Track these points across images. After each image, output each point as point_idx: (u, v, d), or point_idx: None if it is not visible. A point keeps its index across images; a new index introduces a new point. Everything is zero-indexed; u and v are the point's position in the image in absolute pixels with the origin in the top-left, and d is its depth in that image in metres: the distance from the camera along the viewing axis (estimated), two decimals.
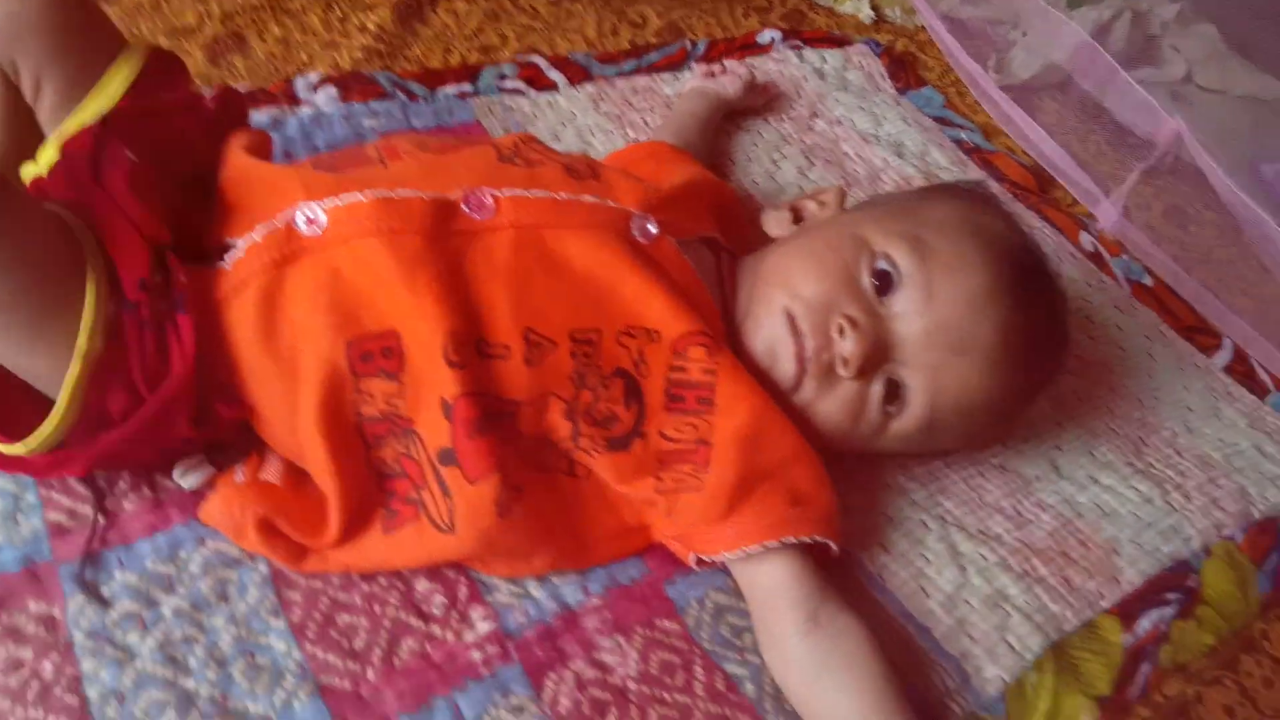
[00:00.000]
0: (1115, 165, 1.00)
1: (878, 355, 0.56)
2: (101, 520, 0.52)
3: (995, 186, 0.97)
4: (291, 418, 0.50)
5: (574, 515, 0.55)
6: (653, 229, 0.56)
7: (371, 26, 0.93)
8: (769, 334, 0.57)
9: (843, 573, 0.59)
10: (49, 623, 0.48)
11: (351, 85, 0.84)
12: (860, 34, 1.16)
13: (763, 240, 0.67)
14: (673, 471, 0.54)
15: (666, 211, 0.59)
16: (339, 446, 0.50)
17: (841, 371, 0.56)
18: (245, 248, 0.50)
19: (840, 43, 1.12)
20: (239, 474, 0.54)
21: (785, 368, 0.57)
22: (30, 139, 0.58)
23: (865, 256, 0.57)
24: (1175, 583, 0.67)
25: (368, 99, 0.83)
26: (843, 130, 0.98)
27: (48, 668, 0.47)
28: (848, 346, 0.55)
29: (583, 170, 0.58)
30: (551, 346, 0.51)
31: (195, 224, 0.53)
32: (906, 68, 1.11)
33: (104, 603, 0.49)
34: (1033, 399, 0.65)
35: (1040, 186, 1.00)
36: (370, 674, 0.49)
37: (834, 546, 0.56)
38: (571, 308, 0.52)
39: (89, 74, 0.57)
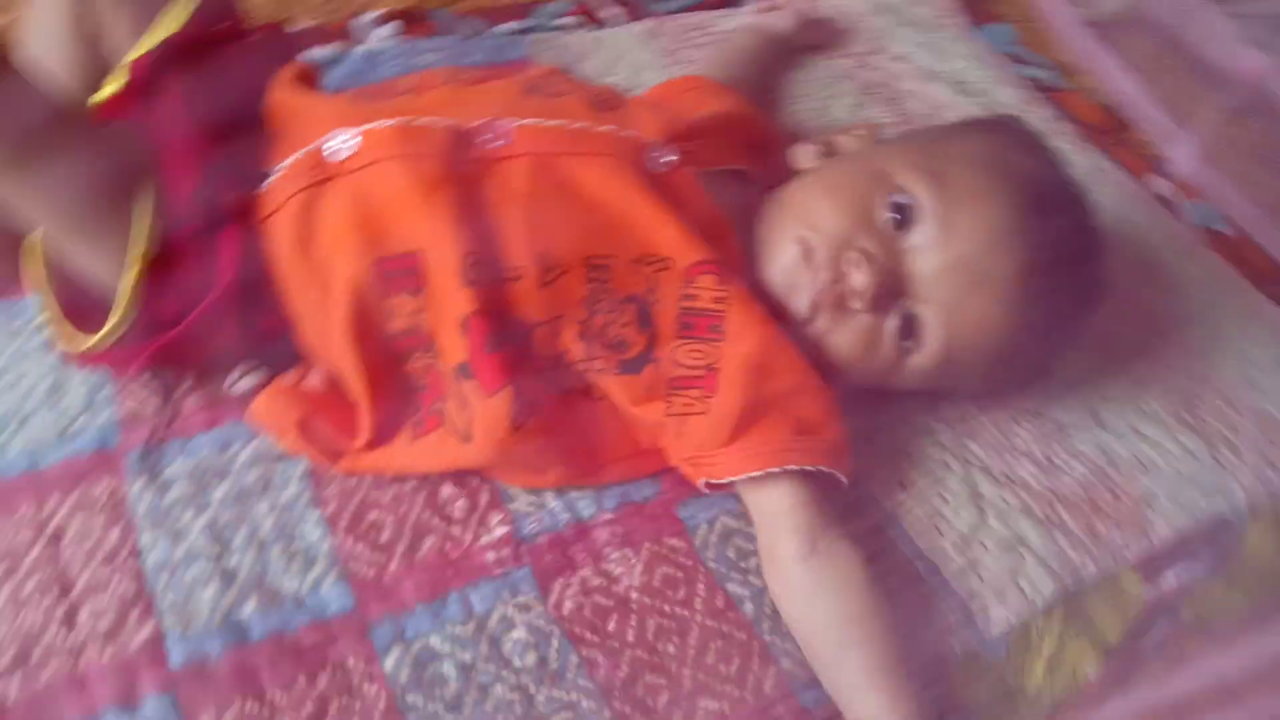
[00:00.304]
0: (1197, 105, 0.95)
1: (892, 289, 0.56)
2: (165, 415, 0.57)
3: (1065, 125, 0.93)
4: (326, 328, 0.54)
5: (589, 434, 0.57)
6: (670, 159, 0.57)
7: None
8: (783, 265, 0.58)
9: (855, 506, 0.61)
10: (116, 498, 0.54)
11: (409, 22, 0.86)
12: None
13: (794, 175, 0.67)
14: (682, 396, 0.56)
15: (690, 142, 0.60)
16: (368, 357, 0.54)
17: (854, 304, 0.56)
18: (283, 170, 0.54)
19: None
20: (286, 381, 0.59)
21: (799, 298, 0.58)
22: (101, 70, 0.62)
23: (883, 190, 0.57)
24: (1210, 540, 0.65)
25: (425, 35, 0.86)
26: (904, 67, 0.96)
27: (114, 536, 0.53)
28: (860, 279, 0.55)
29: (607, 101, 0.60)
30: (565, 271, 0.54)
31: (243, 151, 0.57)
32: (981, 1, 1.07)
33: (162, 486, 0.54)
34: (1062, 344, 0.64)
35: (1114, 126, 0.96)
36: (393, 565, 0.54)
37: (842, 478, 0.57)
38: (585, 234, 0.54)
39: (152, 9, 0.61)
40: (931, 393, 0.66)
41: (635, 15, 0.96)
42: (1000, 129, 0.63)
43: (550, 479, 0.57)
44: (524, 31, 0.91)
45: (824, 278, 0.57)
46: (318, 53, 0.82)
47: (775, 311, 0.58)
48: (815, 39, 0.94)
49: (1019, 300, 0.56)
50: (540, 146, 0.55)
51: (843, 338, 0.58)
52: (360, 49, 0.84)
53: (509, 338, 0.53)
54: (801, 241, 0.58)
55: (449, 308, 0.53)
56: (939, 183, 0.57)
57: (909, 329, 0.58)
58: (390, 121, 0.54)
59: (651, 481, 0.60)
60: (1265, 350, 0.78)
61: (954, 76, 0.96)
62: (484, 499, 0.57)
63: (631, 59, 0.90)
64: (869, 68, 0.95)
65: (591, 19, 0.94)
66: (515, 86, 0.59)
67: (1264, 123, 0.94)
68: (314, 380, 0.58)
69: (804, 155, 0.67)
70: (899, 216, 0.57)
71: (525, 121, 0.55)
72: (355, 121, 0.54)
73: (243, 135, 0.58)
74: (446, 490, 0.57)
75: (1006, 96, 0.95)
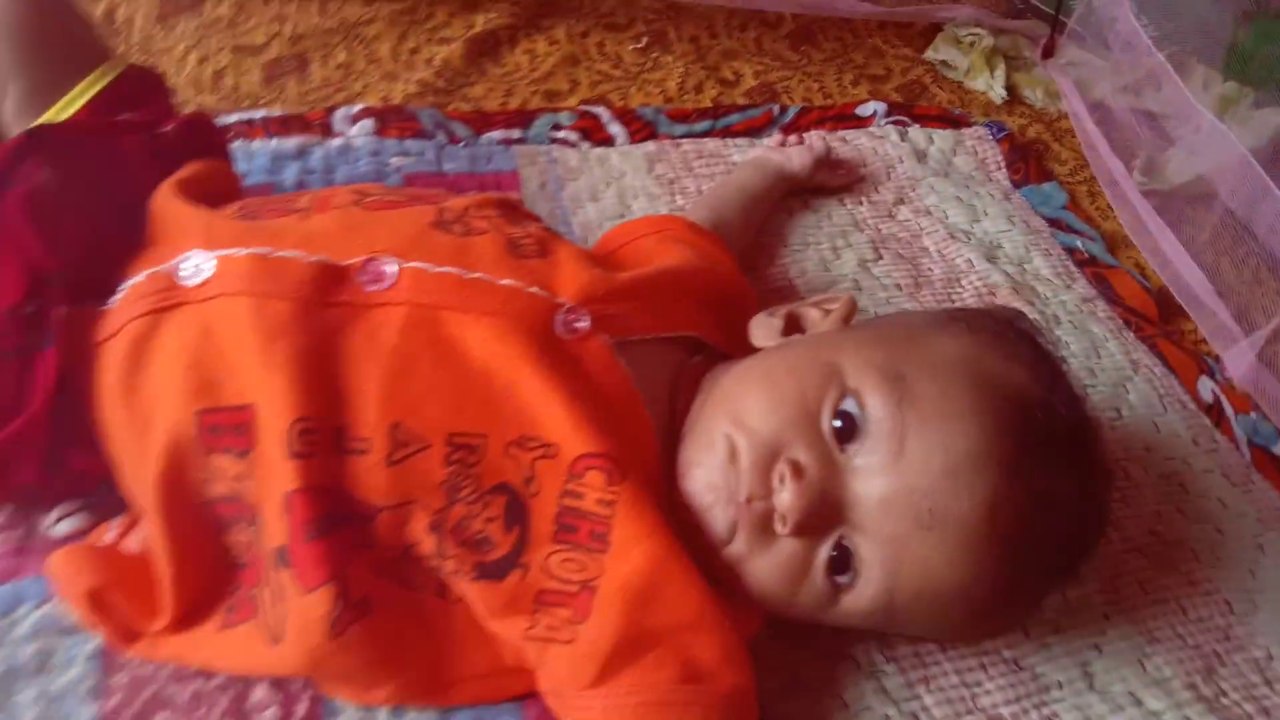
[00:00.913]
0: (1264, 303, 0.83)
1: (824, 514, 0.46)
2: None
3: (1103, 307, 0.82)
4: (141, 480, 0.46)
5: (439, 645, 0.48)
6: (582, 325, 0.49)
7: (438, 61, 0.90)
8: (702, 470, 0.48)
9: None
10: None
11: (390, 120, 0.81)
12: (987, 116, 1.03)
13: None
14: (548, 616, 0.46)
15: (620, 304, 0.51)
16: (179, 522, 0.46)
17: (779, 528, 0.46)
18: (129, 289, 0.47)
19: (957, 123, 1.00)
20: (110, 533, 0.51)
21: (716, 514, 0.48)
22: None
23: (833, 391, 0.48)
24: None
25: (403, 136, 0.80)
26: (929, 222, 0.86)
27: None
28: (786, 499, 0.45)
29: (529, 248, 0.51)
30: (422, 447, 0.45)
31: (104, 262, 0.50)
32: (1030, 158, 0.97)
33: None
34: (1034, 601, 0.53)
35: (1162, 315, 0.84)
36: None
37: None
38: (455, 405, 0.45)
39: (56, 84, 0.56)
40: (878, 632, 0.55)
41: (644, 136, 0.89)
42: (989, 328, 0.52)
43: (380, 697, 0.47)
44: (515, 141, 0.85)
45: (746, 491, 0.47)
46: (284, 144, 0.77)
47: (683, 524, 0.48)
48: (828, 182, 0.86)
49: (979, 548, 0.45)
50: (423, 296, 0.47)
51: (764, 565, 0.48)
52: (333, 144, 0.78)
53: (343, 522, 0.44)
54: (729, 442, 0.48)
55: (275, 478, 0.44)
56: (898, 391, 0.47)
57: (842, 564, 0.47)
58: (248, 250, 0.46)
59: (513, 709, 0.49)
60: None
61: (985, 239, 0.86)
62: (300, 711, 0.47)
63: (625, 184, 0.83)
64: (890, 219, 0.86)
65: (596, 135, 0.87)
66: (426, 217, 0.52)
67: None
68: (135, 540, 0.49)
69: (762, 331, 0.57)
70: (845, 426, 0.47)
71: (410, 265, 0.47)
72: (225, 243, 0.47)
73: (110, 244, 0.51)
74: (259, 694, 0.47)
75: (1041, 266, 0.85)
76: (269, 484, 0.44)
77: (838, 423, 0.47)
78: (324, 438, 0.44)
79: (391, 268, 0.47)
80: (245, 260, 0.46)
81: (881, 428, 0.46)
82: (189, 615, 0.47)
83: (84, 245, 0.49)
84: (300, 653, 0.44)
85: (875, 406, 0.46)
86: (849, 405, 0.47)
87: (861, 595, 0.47)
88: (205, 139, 0.59)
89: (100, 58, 0.57)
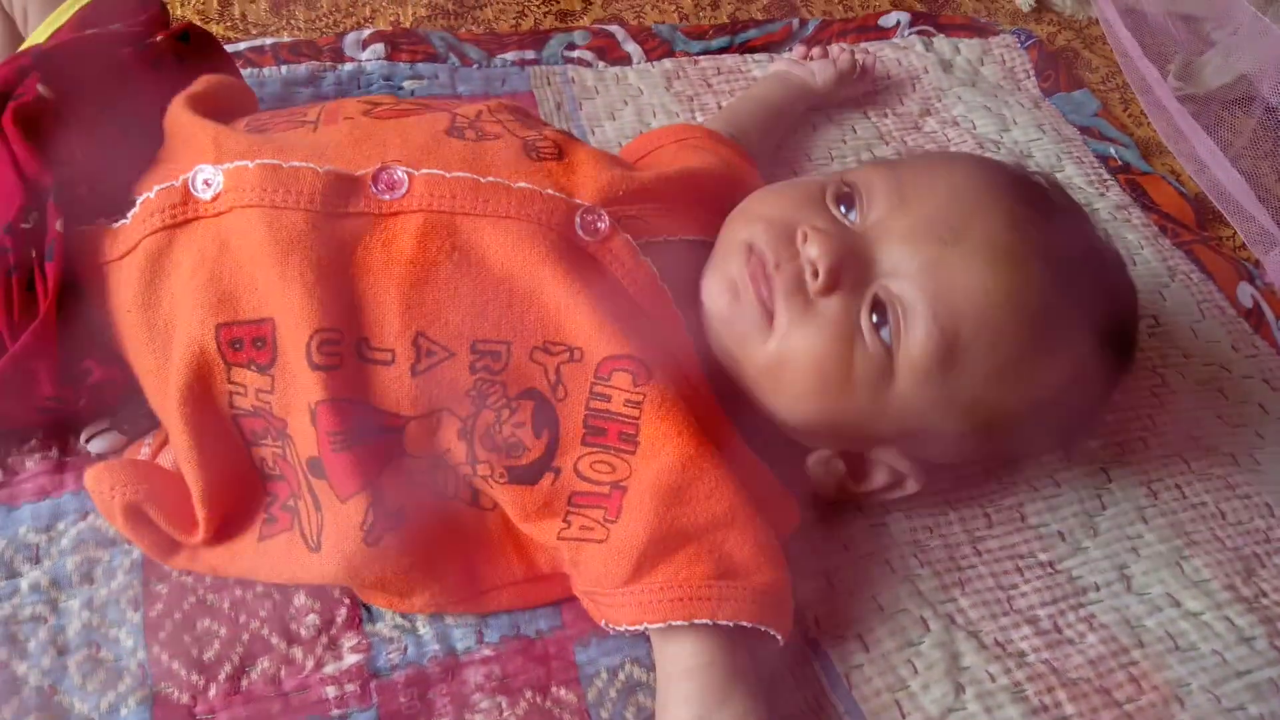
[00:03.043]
0: None
1: (852, 263, 0.47)
2: None
3: (1138, 214, 0.80)
4: (165, 397, 0.46)
5: (473, 552, 0.48)
6: (603, 225, 0.48)
7: None
8: (722, 273, 0.49)
9: (797, 669, 0.49)
10: None
11: (401, 43, 0.79)
12: (1014, 25, 1.00)
13: None
14: (581, 517, 0.46)
15: (641, 204, 0.50)
16: (206, 437, 0.46)
17: (811, 284, 0.46)
18: (142, 203, 0.46)
19: (983, 32, 0.96)
20: (146, 447, 0.51)
21: (745, 304, 0.48)
22: None
23: (833, 183, 0.51)
24: None
25: (415, 60, 0.79)
26: (957, 133, 0.84)
27: None
28: (813, 250, 0.46)
29: (546, 150, 0.50)
30: (447, 356, 0.44)
31: (117, 175, 0.49)
32: (1060, 65, 0.94)
33: None
34: (1082, 331, 0.49)
35: (1199, 222, 0.82)
36: (212, 691, 0.45)
37: (775, 634, 0.46)
38: (478, 312, 0.45)
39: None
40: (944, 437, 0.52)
41: (660, 54, 0.87)
42: (1003, 169, 0.53)
43: (417, 604, 0.47)
44: (529, 62, 0.83)
45: (771, 259, 0.48)
46: (295, 70, 0.75)
47: (712, 421, 0.47)
48: (852, 94, 0.83)
49: (1013, 254, 0.47)
50: (438, 203, 0.46)
51: (811, 339, 0.47)
52: (344, 69, 0.77)
53: (372, 433, 0.44)
54: (746, 242, 0.49)
55: (300, 391, 0.44)
56: (891, 169, 0.51)
57: (884, 312, 0.47)
58: (257, 162, 0.45)
59: (550, 612, 0.49)
60: None
61: (1015, 148, 0.84)
62: (341, 616, 0.48)
63: (642, 102, 0.81)
64: (916, 131, 0.84)
65: (611, 54, 0.85)
66: (439, 124, 0.51)
67: None
68: (168, 457, 0.49)
69: None
70: (849, 196, 0.50)
71: (425, 171, 0.46)
72: (225, 157, 0.46)
73: (117, 159, 0.50)
74: (299, 601, 0.48)
75: (1073, 174, 0.83)
76: (294, 397, 0.44)
77: (844, 195, 0.50)
78: (346, 349, 0.44)
79: (404, 175, 0.46)
80: (255, 171, 0.45)
81: (878, 189, 0.49)
82: (226, 527, 0.47)
83: (86, 159, 0.48)
84: (337, 560, 0.44)
85: (870, 179, 0.50)
86: (849, 179, 0.50)
87: (915, 342, 0.46)
88: (204, 49, 0.58)
89: None
